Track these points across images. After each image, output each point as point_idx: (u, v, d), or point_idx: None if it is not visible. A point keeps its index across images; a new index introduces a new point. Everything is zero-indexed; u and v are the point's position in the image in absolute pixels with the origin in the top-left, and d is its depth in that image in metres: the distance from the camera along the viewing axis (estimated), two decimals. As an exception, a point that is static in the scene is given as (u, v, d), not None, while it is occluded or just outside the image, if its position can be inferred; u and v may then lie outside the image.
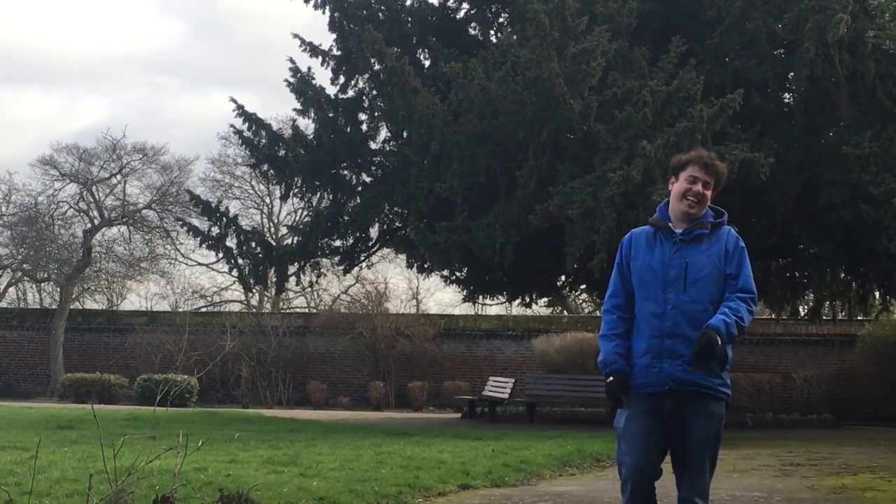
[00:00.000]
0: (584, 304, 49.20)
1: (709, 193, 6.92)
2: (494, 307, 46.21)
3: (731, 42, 24.35)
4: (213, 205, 28.93)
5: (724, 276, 6.77)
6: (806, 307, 33.17)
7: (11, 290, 53.41)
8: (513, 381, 28.80)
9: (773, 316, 35.00)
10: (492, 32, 28.65)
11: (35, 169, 48.74)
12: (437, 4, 28.33)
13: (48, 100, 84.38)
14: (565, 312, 46.19)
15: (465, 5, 28.61)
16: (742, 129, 23.39)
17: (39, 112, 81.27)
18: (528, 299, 32.19)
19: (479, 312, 45.03)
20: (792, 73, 24.31)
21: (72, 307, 44.09)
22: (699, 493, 6.71)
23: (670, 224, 6.94)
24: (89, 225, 47.52)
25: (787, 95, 26.27)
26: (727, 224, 7.01)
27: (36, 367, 41.32)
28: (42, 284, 52.40)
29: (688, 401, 6.61)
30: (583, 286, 33.00)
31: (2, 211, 49.98)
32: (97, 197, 48.29)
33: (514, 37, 24.77)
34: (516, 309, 41.13)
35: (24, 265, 49.25)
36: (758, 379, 33.03)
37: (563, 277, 30.44)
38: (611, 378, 6.68)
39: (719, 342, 6.52)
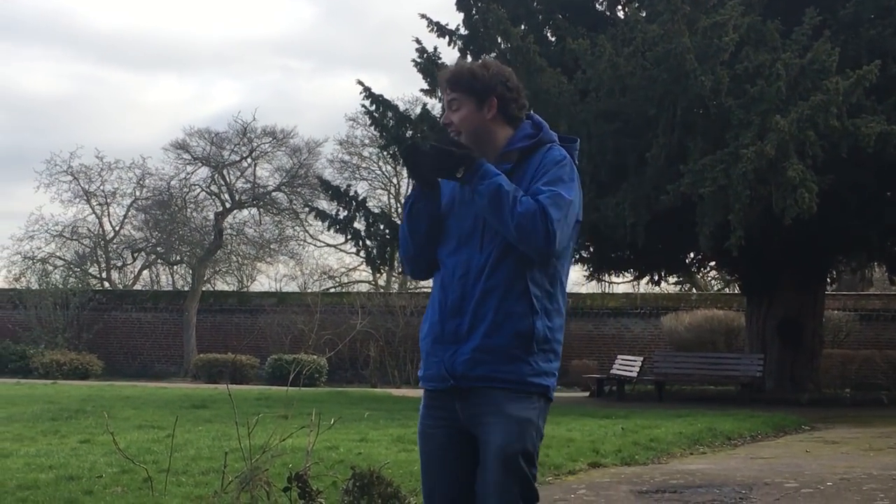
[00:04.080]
0: (713, 282, 48.64)
1: (466, 113, 4.82)
2: (621, 285, 45.88)
3: (866, 12, 23.78)
4: (341, 189, 29.18)
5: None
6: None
7: (145, 272, 54.49)
8: (641, 359, 28.67)
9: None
10: (619, 8, 28.35)
11: (168, 153, 49.58)
12: (564, -20, 28.12)
13: (182, 85, 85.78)
14: (694, 290, 45.70)
15: (592, -20, 28.36)
16: (878, 101, 22.83)
17: (174, 97, 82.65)
18: (656, 277, 31.90)
19: (606, 291, 44.74)
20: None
21: (204, 289, 44.81)
22: None
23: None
24: (220, 208, 48.20)
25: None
26: (558, 142, 4.94)
27: (169, 349, 42.07)
28: (175, 267, 53.32)
29: (479, 401, 4.67)
30: (712, 263, 32.57)
31: (136, 195, 50.96)
32: (228, 180, 48.97)
33: (643, 12, 24.51)
34: (644, 287, 40.82)
35: (158, 248, 50.16)
36: (893, 356, 32.30)
37: (692, 254, 30.11)
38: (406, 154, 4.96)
39: (460, 171, 4.65)
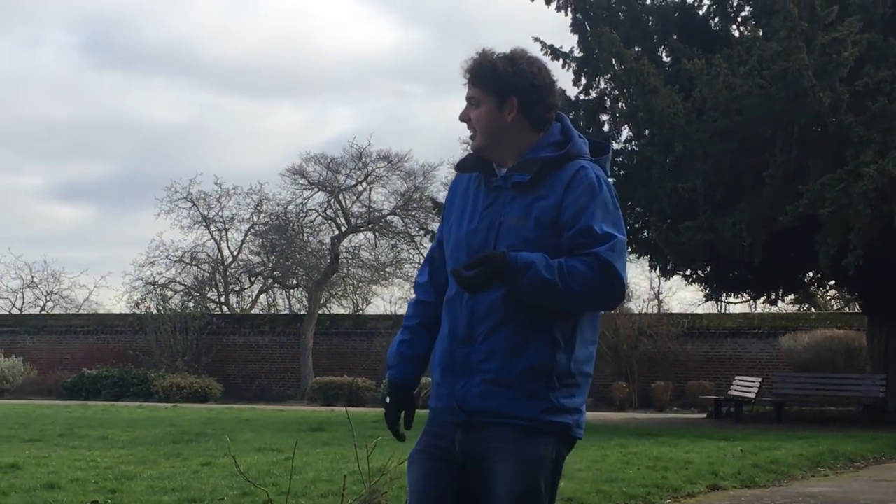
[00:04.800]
0: (832, 301, 47.93)
1: (485, 111, 4.38)
2: (738, 305, 45.39)
3: None
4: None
5: (563, 244, 4.20)
6: None
7: (263, 296, 55.02)
8: (759, 380, 28.31)
9: None
10: (734, 27, 28.16)
11: (285, 179, 49.97)
12: (678, 1, 28.00)
13: (299, 111, 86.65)
14: (813, 309, 45.07)
15: (707, 1, 28.18)
16: None
17: (290, 123, 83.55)
18: (773, 296, 31.52)
19: (723, 311, 44.30)
20: None
21: (320, 312, 45.14)
22: None
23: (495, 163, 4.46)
24: (336, 232, 48.56)
25: None
26: (589, 155, 4.39)
27: (287, 372, 42.43)
28: (291, 291, 53.74)
29: (488, 434, 4.19)
30: (832, 282, 32.13)
31: (253, 220, 51.51)
32: (344, 204, 49.32)
33: (760, 31, 24.31)
34: (761, 306, 40.34)
35: (275, 272, 50.65)
36: None
37: (810, 273, 29.72)
38: (388, 397, 4.57)
39: (504, 271, 4.06)
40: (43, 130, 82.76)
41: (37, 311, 55.50)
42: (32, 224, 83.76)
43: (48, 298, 57.56)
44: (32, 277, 57.54)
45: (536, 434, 4.15)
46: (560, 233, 4.20)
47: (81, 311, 54.18)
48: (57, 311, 55.16)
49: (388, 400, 4.55)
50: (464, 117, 4.47)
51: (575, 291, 4.04)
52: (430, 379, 4.39)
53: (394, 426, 4.54)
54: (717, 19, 28.24)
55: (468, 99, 4.44)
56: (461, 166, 4.59)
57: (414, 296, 4.68)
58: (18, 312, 54.55)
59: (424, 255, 5.10)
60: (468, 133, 4.53)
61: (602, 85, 27.88)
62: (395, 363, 4.57)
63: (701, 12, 28.26)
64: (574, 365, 4.20)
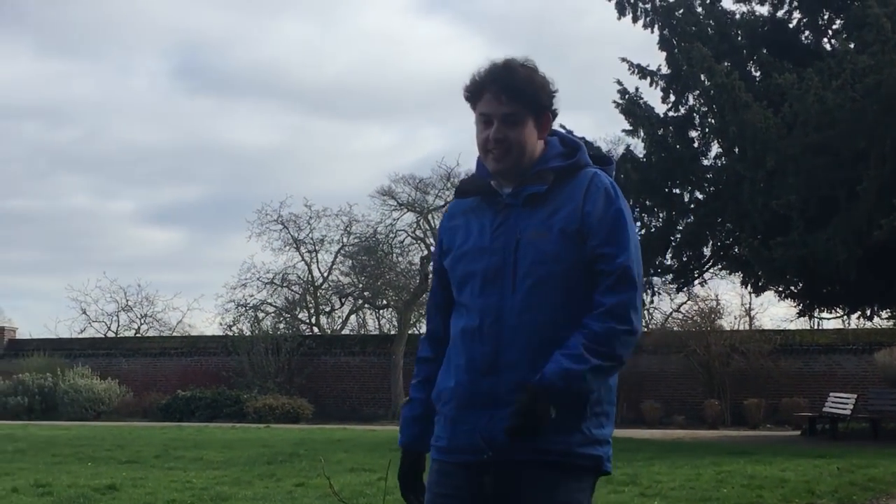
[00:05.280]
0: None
1: (522, 132, 4.11)
2: (832, 321, 44.86)
3: None
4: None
5: (586, 255, 3.99)
6: None
7: (353, 317, 55.25)
8: (854, 396, 27.93)
9: None
10: (825, 40, 27.93)
11: (374, 200, 50.23)
12: (767, 15, 27.84)
13: (387, 133, 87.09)
14: (909, 325, 44.38)
15: (797, 14, 27.97)
16: None
17: (379, 144, 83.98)
18: (868, 312, 31.12)
19: (816, 327, 43.77)
20: None
21: (410, 332, 45.22)
22: None
23: (493, 182, 4.21)
24: (425, 252, 48.63)
25: None
26: (593, 163, 4.26)
27: (377, 392, 42.51)
28: (381, 311, 53.91)
29: (521, 476, 3.89)
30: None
31: (343, 242, 51.77)
32: (433, 224, 49.41)
33: (851, 44, 24.08)
34: (855, 322, 39.81)
35: (365, 293, 50.80)
36: None
37: (907, 288, 29.34)
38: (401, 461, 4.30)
39: (552, 411, 3.82)
40: (135, 156, 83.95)
41: (131, 334, 56.23)
42: (126, 248, 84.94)
43: (143, 321, 58.29)
44: (127, 301, 58.28)
45: (572, 472, 3.90)
46: (583, 241, 3.99)
47: (175, 334, 54.80)
48: (151, 333, 55.88)
49: (401, 464, 4.28)
50: (498, 136, 4.10)
51: (608, 368, 3.89)
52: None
53: (407, 495, 4.23)
54: (807, 33, 28.03)
55: (504, 116, 4.09)
56: (463, 191, 4.34)
57: (425, 350, 4.39)
58: (114, 335, 55.30)
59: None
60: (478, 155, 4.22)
61: (690, 101, 27.80)
62: (405, 427, 4.32)
63: (791, 25, 28.07)
64: (604, 392, 3.98)
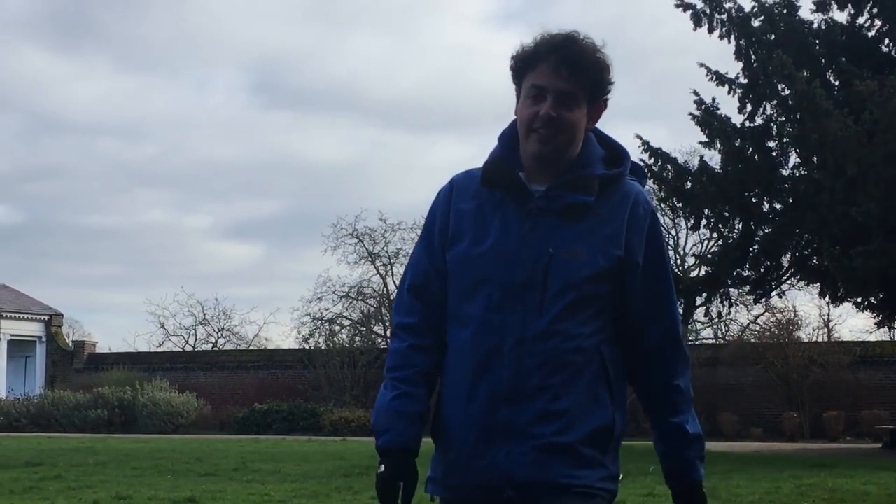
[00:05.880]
0: None
1: (580, 115, 3.63)
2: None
3: None
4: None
5: (625, 285, 3.61)
6: None
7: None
8: (937, 409, 27.62)
9: None
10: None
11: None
12: (846, 24, 27.57)
13: (462, 145, 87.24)
14: None
15: (878, 22, 27.65)
16: None
17: (454, 157, 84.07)
18: (950, 322, 30.75)
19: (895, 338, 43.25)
20: None
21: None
22: None
23: (521, 174, 3.67)
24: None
25: None
26: (632, 176, 3.77)
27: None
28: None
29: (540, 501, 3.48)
30: None
31: (416, 255, 51.90)
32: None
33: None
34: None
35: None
36: None
37: None
38: (382, 465, 3.55)
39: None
40: (212, 171, 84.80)
41: (209, 347, 56.75)
42: (204, 262, 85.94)
43: (220, 335, 58.88)
44: (204, 315, 58.88)
45: (591, 499, 3.52)
46: (621, 270, 3.58)
47: (252, 347, 55.22)
48: (228, 347, 56.37)
49: (381, 470, 3.55)
50: (551, 113, 3.58)
51: (691, 400, 3.84)
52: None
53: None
54: (886, 41, 27.71)
55: (561, 94, 3.59)
56: (490, 181, 3.74)
57: (399, 340, 3.71)
58: (192, 349, 55.82)
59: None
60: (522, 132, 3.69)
61: (768, 111, 27.59)
62: (390, 424, 3.58)
63: (871, 34, 27.76)
64: (624, 424, 3.67)
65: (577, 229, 3.56)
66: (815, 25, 27.39)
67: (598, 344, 3.57)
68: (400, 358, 3.66)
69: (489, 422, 3.50)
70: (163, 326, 58.68)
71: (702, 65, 27.44)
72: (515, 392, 3.47)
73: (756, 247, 27.70)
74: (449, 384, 3.64)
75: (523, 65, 3.65)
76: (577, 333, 3.51)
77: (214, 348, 55.88)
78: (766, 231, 27.50)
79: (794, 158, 27.80)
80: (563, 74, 3.57)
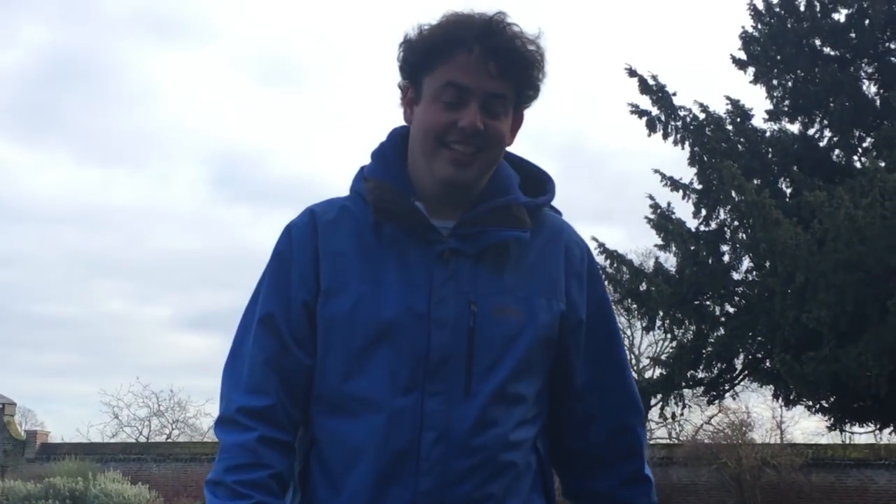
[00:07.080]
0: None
1: (507, 126, 2.76)
2: (864, 435, 44.68)
3: None
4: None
5: (565, 352, 2.82)
6: None
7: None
8: (889, 514, 27.89)
9: None
10: (855, 158, 28.19)
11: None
12: (797, 134, 28.14)
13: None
14: (943, 440, 44.12)
15: (828, 133, 28.25)
16: None
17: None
18: (901, 427, 31.08)
19: (848, 441, 43.56)
20: None
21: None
22: None
23: (418, 204, 2.73)
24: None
25: None
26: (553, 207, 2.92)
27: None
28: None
29: None
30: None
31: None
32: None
33: (882, 162, 24.36)
34: (887, 436, 39.61)
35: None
36: None
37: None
38: None
39: None
40: (173, 262, 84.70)
41: (163, 438, 56.37)
42: (161, 353, 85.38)
43: (174, 426, 58.51)
44: (159, 406, 58.56)
45: None
46: (559, 330, 2.78)
47: (206, 439, 54.89)
48: (182, 439, 55.98)
49: None
50: (478, 125, 2.65)
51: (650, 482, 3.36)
52: None
53: None
54: (837, 151, 28.28)
55: (490, 97, 2.67)
56: (386, 211, 2.74)
57: (242, 431, 2.67)
58: (145, 440, 55.44)
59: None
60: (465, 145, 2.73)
61: (722, 216, 28.02)
62: None
63: (822, 144, 28.33)
64: None
65: (504, 279, 2.71)
66: (768, 135, 27.90)
67: (535, 437, 2.80)
68: (246, 454, 2.64)
69: None
70: (117, 417, 58.31)
71: (656, 171, 27.87)
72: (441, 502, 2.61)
73: (709, 349, 27.98)
74: (325, 500, 2.69)
75: (430, 53, 2.69)
76: (516, 423, 2.71)
77: (168, 440, 55.55)
78: (719, 334, 27.81)
79: (746, 263, 28.23)
80: (493, 70, 2.65)
